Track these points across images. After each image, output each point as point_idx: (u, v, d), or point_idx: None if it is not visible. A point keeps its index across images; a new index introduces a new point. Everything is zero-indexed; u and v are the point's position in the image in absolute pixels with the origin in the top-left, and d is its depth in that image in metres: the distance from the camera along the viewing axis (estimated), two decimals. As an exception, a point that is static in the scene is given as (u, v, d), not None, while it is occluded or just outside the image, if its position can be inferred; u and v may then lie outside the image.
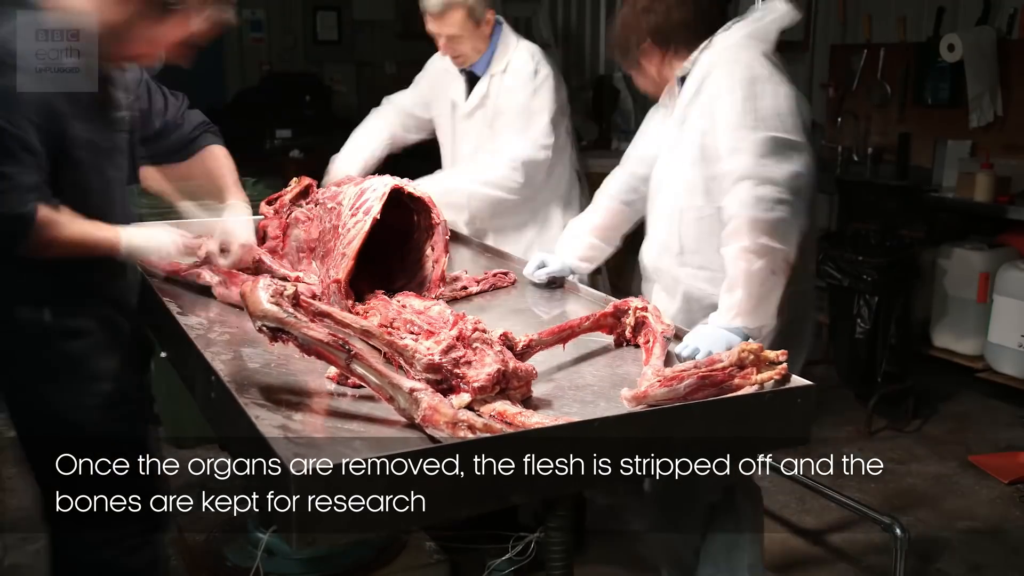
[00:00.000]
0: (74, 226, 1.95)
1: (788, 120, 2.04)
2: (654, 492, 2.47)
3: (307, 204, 2.41)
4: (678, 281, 2.26)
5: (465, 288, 2.31)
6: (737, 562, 2.39)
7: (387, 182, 2.13)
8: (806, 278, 2.29)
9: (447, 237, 2.22)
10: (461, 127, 3.10)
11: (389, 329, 1.86)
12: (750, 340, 1.76)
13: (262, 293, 1.56)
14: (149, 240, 2.10)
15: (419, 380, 1.57)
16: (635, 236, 2.52)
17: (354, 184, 2.24)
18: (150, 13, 1.90)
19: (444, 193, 2.70)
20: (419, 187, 2.20)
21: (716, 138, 2.09)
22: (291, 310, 1.56)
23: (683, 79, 2.22)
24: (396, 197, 2.13)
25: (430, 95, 3.19)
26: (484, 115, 3.03)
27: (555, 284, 2.41)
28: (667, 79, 2.28)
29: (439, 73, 3.14)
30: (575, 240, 2.49)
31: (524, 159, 2.93)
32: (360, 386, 1.62)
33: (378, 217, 2.05)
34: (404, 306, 1.98)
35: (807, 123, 2.11)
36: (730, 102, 2.06)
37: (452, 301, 2.21)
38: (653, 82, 2.31)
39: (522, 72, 2.96)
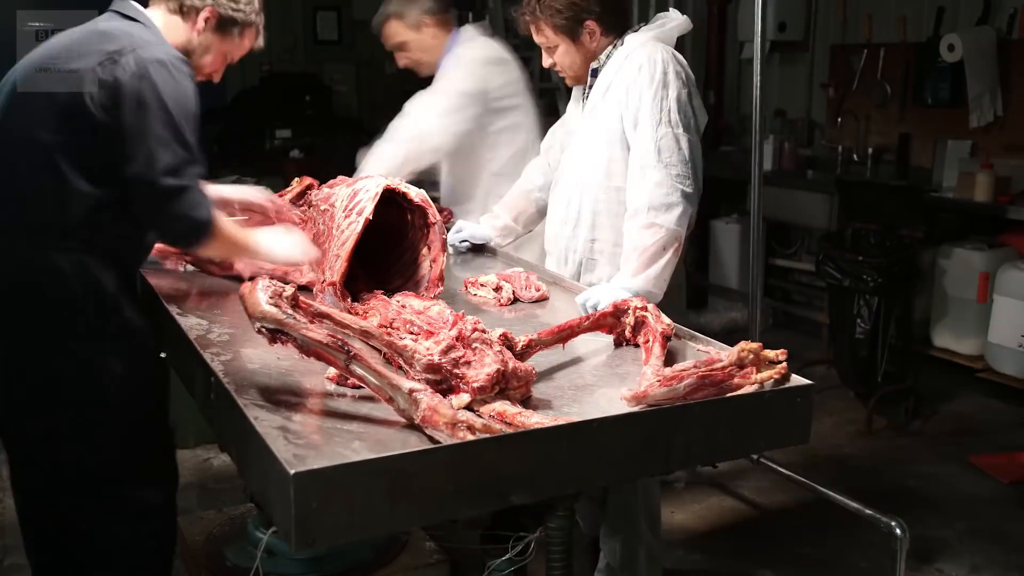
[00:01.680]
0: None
1: (689, 119, 2.38)
2: None
3: (304, 205, 2.40)
4: (572, 251, 2.57)
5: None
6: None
7: (379, 182, 2.11)
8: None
9: (444, 236, 2.20)
10: None
11: (388, 329, 1.86)
12: (636, 298, 2.03)
13: (261, 294, 1.56)
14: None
15: (419, 380, 1.57)
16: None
17: (347, 185, 2.22)
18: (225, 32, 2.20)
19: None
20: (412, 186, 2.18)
21: (626, 126, 2.40)
22: (290, 311, 1.56)
23: (595, 72, 2.52)
24: (390, 197, 2.12)
25: None
26: None
27: (477, 250, 2.88)
28: (584, 68, 2.54)
29: None
30: (493, 216, 2.93)
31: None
32: (360, 386, 1.61)
33: (371, 217, 2.04)
34: (404, 306, 1.98)
35: (700, 124, 2.44)
36: (642, 96, 2.36)
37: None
38: (573, 66, 2.54)
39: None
